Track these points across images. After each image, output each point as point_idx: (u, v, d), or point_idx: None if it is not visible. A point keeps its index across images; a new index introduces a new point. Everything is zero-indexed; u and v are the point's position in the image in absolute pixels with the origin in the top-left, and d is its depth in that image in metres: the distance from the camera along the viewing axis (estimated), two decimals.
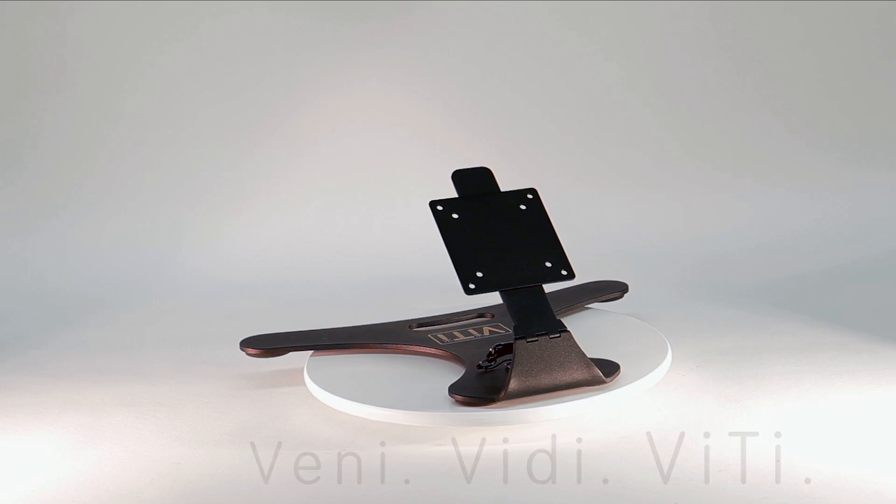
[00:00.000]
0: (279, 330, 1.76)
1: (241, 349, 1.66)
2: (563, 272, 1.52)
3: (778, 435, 1.40)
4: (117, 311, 2.02)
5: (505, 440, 1.41)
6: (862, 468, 1.31)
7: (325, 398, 1.49)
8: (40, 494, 1.33)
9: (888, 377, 1.56)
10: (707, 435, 1.41)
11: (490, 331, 1.65)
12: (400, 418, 1.42)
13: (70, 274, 2.14)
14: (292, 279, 2.13)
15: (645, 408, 1.49)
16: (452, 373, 1.53)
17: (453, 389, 1.44)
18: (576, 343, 1.46)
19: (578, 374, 1.45)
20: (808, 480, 1.28)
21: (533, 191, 1.58)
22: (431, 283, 2.05)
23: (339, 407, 1.47)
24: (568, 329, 1.46)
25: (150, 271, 2.17)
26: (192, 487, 1.33)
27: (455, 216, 1.54)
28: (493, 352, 1.49)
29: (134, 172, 2.30)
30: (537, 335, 1.45)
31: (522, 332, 1.45)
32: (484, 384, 1.46)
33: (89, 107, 2.31)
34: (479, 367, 1.49)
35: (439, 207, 1.55)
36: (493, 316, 1.71)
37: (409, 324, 1.70)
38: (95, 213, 2.26)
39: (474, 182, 1.59)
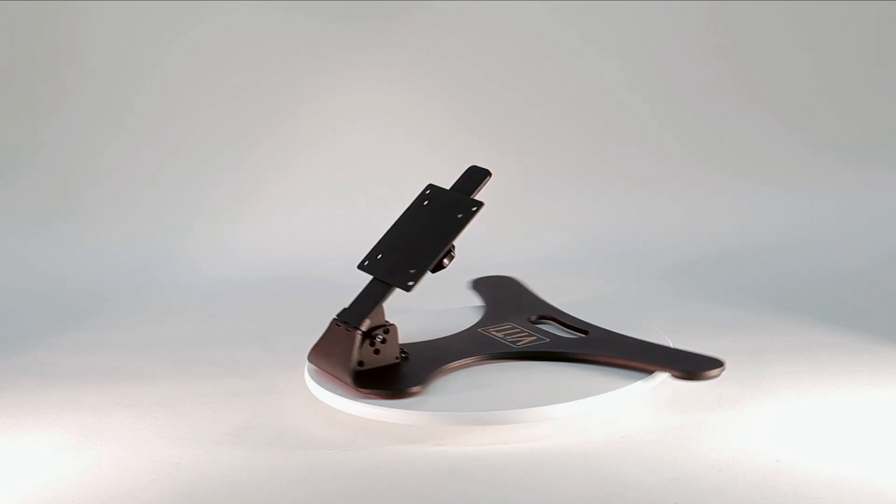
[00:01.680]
0: (280, 333, 1.76)
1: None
2: (409, 282, 1.51)
3: (778, 435, 1.40)
4: (118, 311, 2.02)
5: (505, 440, 1.41)
6: (862, 468, 1.31)
7: (325, 398, 1.49)
8: (40, 494, 1.33)
9: (888, 377, 1.56)
10: (707, 435, 1.41)
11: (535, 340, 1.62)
12: (400, 418, 1.42)
13: (71, 274, 2.14)
14: (293, 279, 2.13)
15: (645, 408, 1.49)
16: (454, 374, 1.52)
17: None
18: (352, 346, 1.48)
19: (342, 371, 1.49)
20: (806, 480, 1.28)
21: (478, 204, 1.55)
22: (431, 283, 2.05)
23: (339, 407, 1.47)
24: (361, 331, 1.49)
25: (151, 271, 2.17)
26: (192, 487, 1.33)
27: (425, 203, 1.59)
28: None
29: (134, 173, 2.30)
30: (343, 322, 1.51)
31: (339, 314, 1.53)
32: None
33: (90, 108, 2.32)
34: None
35: (427, 191, 1.60)
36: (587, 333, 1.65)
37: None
38: (96, 213, 2.26)
39: (473, 182, 1.60)
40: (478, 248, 1.91)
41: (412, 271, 1.51)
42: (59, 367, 1.75)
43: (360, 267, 1.57)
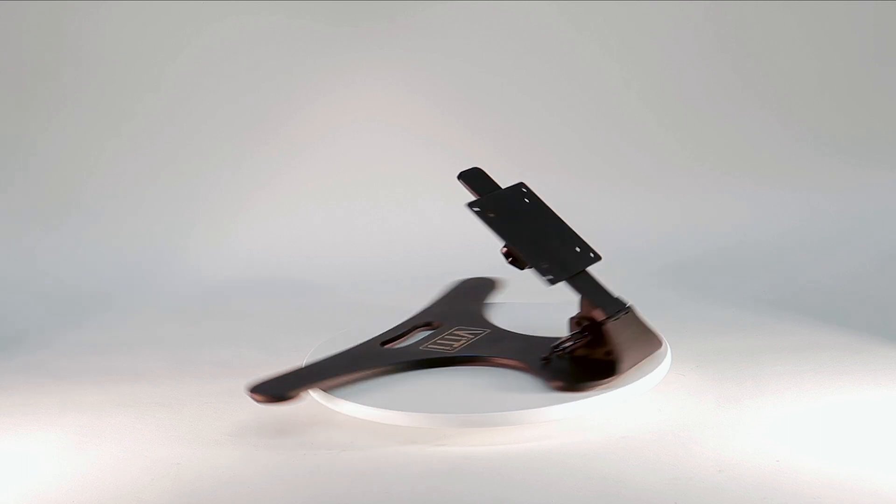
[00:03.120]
0: (280, 333, 1.76)
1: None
2: (591, 255, 1.57)
3: (778, 435, 1.40)
4: (118, 312, 2.02)
5: (505, 440, 1.41)
6: (862, 468, 1.31)
7: (325, 398, 1.49)
8: (40, 494, 1.33)
9: (888, 377, 1.56)
10: (707, 435, 1.41)
11: (467, 336, 1.62)
12: (400, 418, 1.42)
13: (71, 274, 2.14)
14: (293, 280, 2.13)
15: (645, 408, 1.49)
16: (453, 375, 1.52)
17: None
18: (640, 316, 1.52)
19: (651, 346, 1.52)
20: (806, 480, 1.28)
21: (523, 185, 1.60)
22: (431, 283, 2.05)
23: (339, 407, 1.47)
24: (630, 304, 1.52)
25: (151, 272, 2.17)
26: (192, 487, 1.33)
27: (492, 215, 1.54)
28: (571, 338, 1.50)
29: (134, 173, 2.30)
30: (619, 312, 1.50)
31: (610, 312, 1.49)
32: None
33: (91, 108, 2.31)
34: (546, 358, 1.50)
35: (476, 209, 1.54)
36: (439, 325, 1.66)
37: (379, 341, 1.62)
38: (96, 213, 2.26)
39: (479, 182, 1.60)
40: (478, 249, 1.91)
41: (577, 249, 1.56)
42: (59, 367, 1.75)
43: (555, 282, 1.49)
